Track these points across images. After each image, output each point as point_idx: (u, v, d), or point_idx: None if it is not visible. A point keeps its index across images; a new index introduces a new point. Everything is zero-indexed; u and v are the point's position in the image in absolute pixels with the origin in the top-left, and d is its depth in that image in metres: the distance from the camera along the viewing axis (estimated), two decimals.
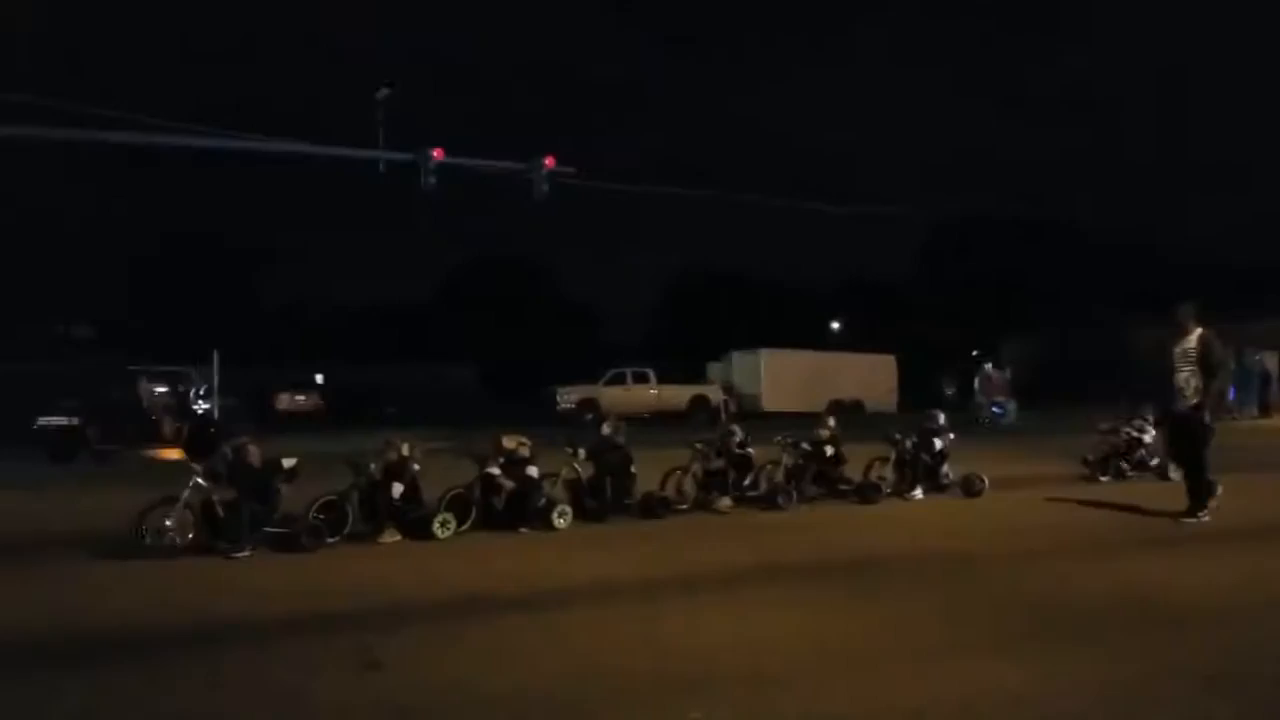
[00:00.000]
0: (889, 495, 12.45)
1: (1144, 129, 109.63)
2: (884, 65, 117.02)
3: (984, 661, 5.58)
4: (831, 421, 13.05)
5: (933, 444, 13.10)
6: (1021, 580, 7.82)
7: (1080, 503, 11.91)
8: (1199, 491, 10.38)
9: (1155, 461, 14.23)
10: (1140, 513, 11.01)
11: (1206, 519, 10.23)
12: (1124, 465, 14.42)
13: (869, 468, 12.89)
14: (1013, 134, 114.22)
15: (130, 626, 6.81)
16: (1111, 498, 12.05)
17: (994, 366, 34.21)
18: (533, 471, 10.65)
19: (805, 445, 12.52)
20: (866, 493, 12.36)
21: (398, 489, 9.98)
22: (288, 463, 9.95)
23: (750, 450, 12.21)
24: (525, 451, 10.85)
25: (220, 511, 9.34)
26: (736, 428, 12.61)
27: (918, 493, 12.61)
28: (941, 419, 13.54)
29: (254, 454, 9.93)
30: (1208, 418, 10.28)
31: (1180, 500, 10.60)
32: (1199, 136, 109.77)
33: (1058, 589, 7.47)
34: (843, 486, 12.62)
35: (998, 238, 65.79)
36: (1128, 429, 14.71)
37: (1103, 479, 14.01)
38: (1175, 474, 13.08)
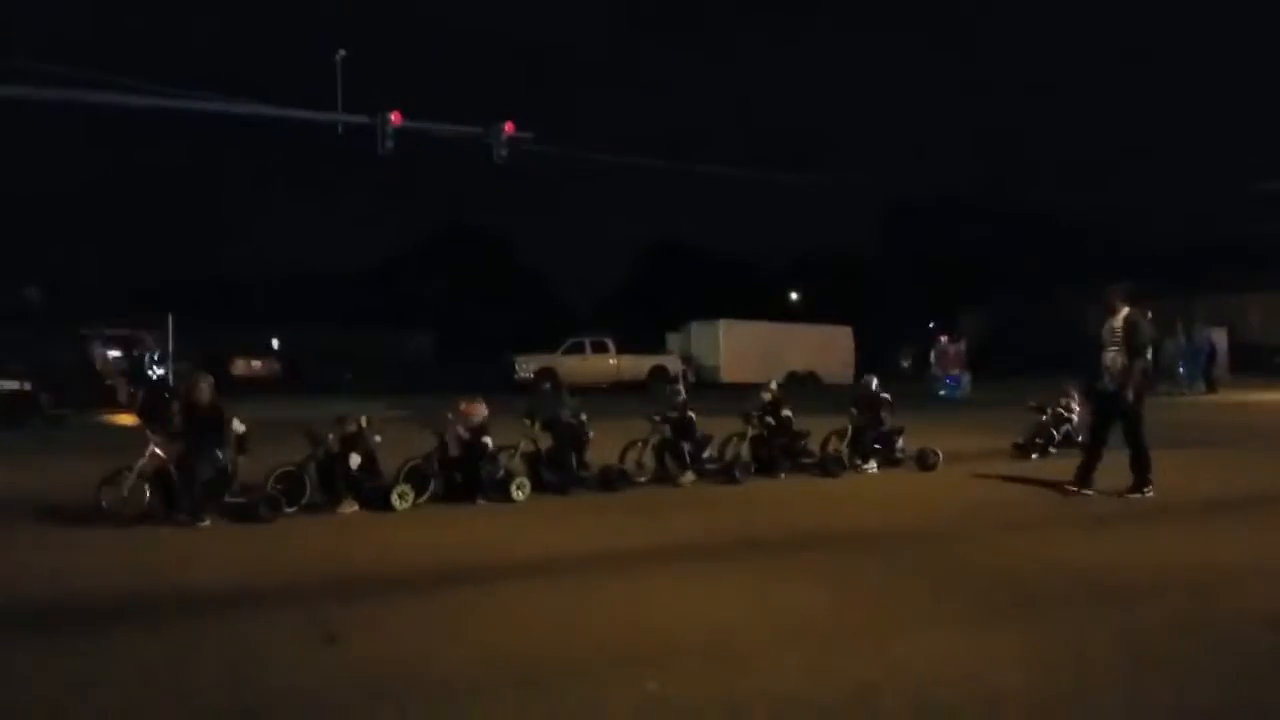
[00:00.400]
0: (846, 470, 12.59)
1: (1115, 113, 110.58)
2: (856, 44, 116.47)
3: (934, 637, 5.71)
4: (774, 384, 13.04)
5: (880, 416, 13.18)
6: (972, 556, 7.98)
7: (1027, 480, 12.10)
8: (1142, 467, 10.59)
9: (1082, 438, 13.99)
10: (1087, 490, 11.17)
11: (1150, 494, 10.46)
12: (1053, 433, 14.55)
13: (826, 441, 13.01)
14: (984, 119, 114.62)
15: (87, 597, 6.77)
16: (1058, 474, 12.22)
17: (949, 339, 34.66)
18: (487, 440, 10.66)
19: (770, 419, 12.56)
20: (829, 466, 12.47)
21: (355, 460, 9.98)
22: (238, 428, 9.82)
23: (693, 414, 12.21)
24: (478, 418, 10.79)
25: (176, 480, 9.30)
26: (680, 387, 12.57)
27: (871, 465, 12.78)
28: (875, 383, 13.60)
29: (205, 390, 9.79)
30: (1129, 396, 10.41)
31: (1119, 477, 10.76)
32: (1170, 123, 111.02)
33: (1007, 565, 7.62)
34: (805, 460, 12.75)
35: (959, 216, 66.50)
36: (1055, 406, 14.89)
37: (1033, 456, 14.06)
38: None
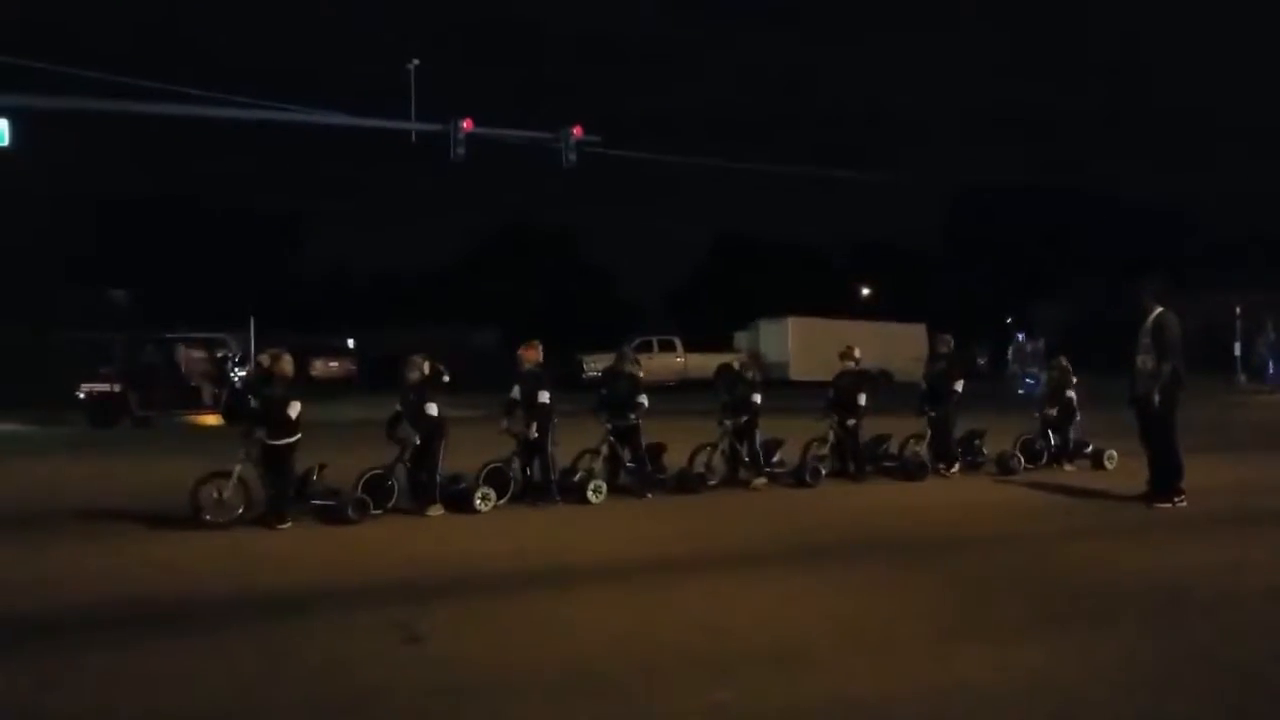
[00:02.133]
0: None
1: (1182, 94, 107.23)
2: (914, 29, 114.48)
3: (1005, 644, 5.71)
4: (853, 362, 12.67)
5: (954, 384, 12.68)
6: (1038, 564, 7.95)
7: (1092, 491, 11.83)
8: (1167, 476, 10.15)
9: (1090, 449, 13.24)
10: (1126, 498, 10.55)
11: (1183, 504, 10.02)
12: (1049, 443, 13.26)
13: (904, 445, 12.82)
14: (1048, 99, 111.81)
15: (182, 598, 7.03)
16: (1122, 484, 11.25)
17: (1027, 336, 34.09)
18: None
19: (850, 421, 12.32)
20: (911, 469, 12.28)
21: (441, 454, 10.16)
22: (294, 410, 9.76)
23: (758, 395, 12.04)
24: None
25: (264, 485, 9.56)
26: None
27: (955, 470, 12.58)
28: (952, 342, 13.21)
29: (287, 363, 10.08)
30: (1156, 400, 9.95)
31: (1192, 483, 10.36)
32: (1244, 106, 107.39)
33: (1073, 572, 7.57)
34: (887, 464, 12.63)
35: (1028, 204, 65.02)
36: (1049, 412, 13.50)
37: (1026, 466, 12.79)
38: (1109, 463, 12.87)
